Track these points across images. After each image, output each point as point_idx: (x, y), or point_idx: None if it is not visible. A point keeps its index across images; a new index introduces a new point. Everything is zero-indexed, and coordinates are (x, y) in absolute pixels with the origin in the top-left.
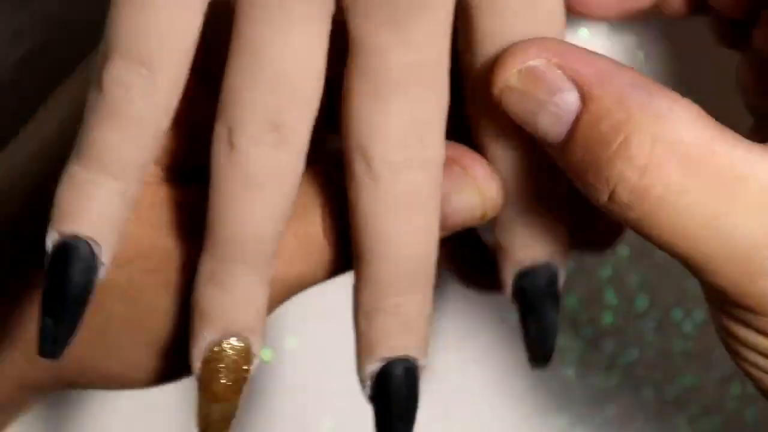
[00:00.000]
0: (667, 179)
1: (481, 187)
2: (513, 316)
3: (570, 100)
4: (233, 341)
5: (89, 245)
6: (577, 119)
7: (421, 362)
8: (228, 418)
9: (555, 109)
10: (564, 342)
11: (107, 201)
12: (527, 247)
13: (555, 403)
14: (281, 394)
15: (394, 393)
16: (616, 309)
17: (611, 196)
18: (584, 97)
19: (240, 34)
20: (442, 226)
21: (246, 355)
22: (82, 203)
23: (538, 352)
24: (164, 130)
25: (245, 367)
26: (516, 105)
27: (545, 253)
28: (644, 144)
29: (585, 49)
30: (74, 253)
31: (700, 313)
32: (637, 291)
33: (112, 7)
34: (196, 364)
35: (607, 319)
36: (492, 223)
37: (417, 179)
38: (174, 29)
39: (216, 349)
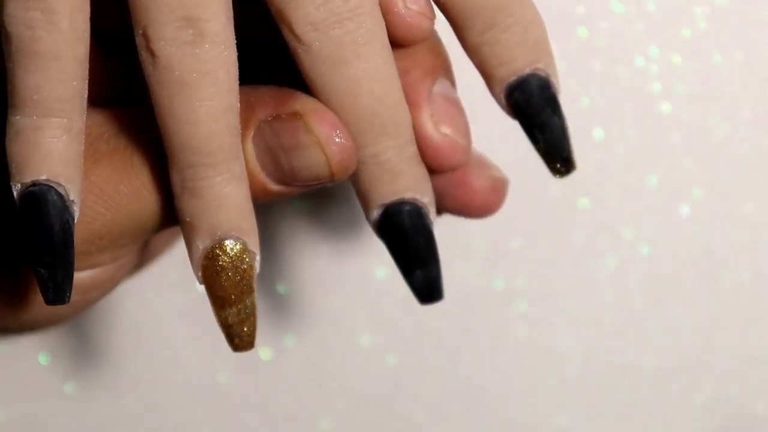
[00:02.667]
0: None
1: (325, 148)
2: (510, 312)
3: None
4: (227, 243)
5: (53, 188)
6: None
7: (421, 200)
8: (244, 320)
9: None
10: (564, 342)
11: (56, 141)
12: (505, 65)
13: (555, 403)
14: (281, 393)
15: (396, 235)
16: (616, 308)
17: None
18: None
19: None
20: (290, 179)
21: (242, 254)
22: (31, 151)
23: (555, 158)
24: (84, 54)
25: (244, 267)
26: None
27: (526, 64)
28: None
29: None
30: (41, 200)
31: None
32: (637, 290)
33: None
34: (197, 273)
35: (608, 317)
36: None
37: (347, 31)
38: None
39: (210, 255)
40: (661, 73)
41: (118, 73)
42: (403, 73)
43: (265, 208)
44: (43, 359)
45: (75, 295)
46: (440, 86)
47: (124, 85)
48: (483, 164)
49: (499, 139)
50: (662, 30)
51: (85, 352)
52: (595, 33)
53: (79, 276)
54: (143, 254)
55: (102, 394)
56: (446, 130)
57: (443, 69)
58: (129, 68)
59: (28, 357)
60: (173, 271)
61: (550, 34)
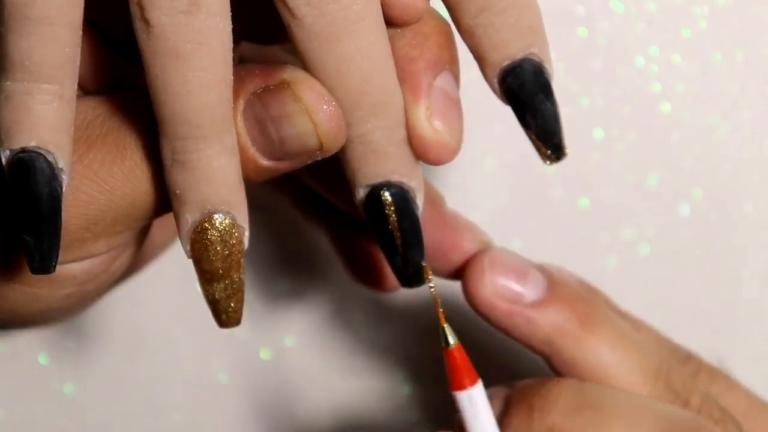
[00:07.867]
0: None
1: (313, 116)
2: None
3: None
4: (216, 218)
5: (43, 155)
6: None
7: (408, 184)
8: (232, 295)
9: None
10: None
11: (47, 107)
12: (499, 49)
13: None
14: (281, 393)
15: (380, 217)
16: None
17: None
18: None
19: None
20: (279, 152)
21: (231, 228)
22: (22, 116)
23: (546, 144)
24: (78, 21)
25: (233, 242)
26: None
27: (520, 49)
28: None
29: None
30: (30, 168)
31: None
32: (637, 290)
33: None
34: (185, 246)
35: None
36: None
37: (341, 8)
38: None
39: (199, 228)
40: (661, 73)
41: (113, 66)
42: (408, 62)
43: (267, 207)
44: (43, 359)
45: (70, 288)
46: (442, 81)
47: (120, 77)
48: (471, 228)
49: (500, 139)
50: (662, 30)
51: (85, 352)
52: (595, 33)
53: (74, 267)
54: (139, 254)
55: (102, 394)
56: (439, 125)
57: (449, 63)
58: (124, 61)
59: (28, 357)
60: (173, 271)
61: (550, 34)
